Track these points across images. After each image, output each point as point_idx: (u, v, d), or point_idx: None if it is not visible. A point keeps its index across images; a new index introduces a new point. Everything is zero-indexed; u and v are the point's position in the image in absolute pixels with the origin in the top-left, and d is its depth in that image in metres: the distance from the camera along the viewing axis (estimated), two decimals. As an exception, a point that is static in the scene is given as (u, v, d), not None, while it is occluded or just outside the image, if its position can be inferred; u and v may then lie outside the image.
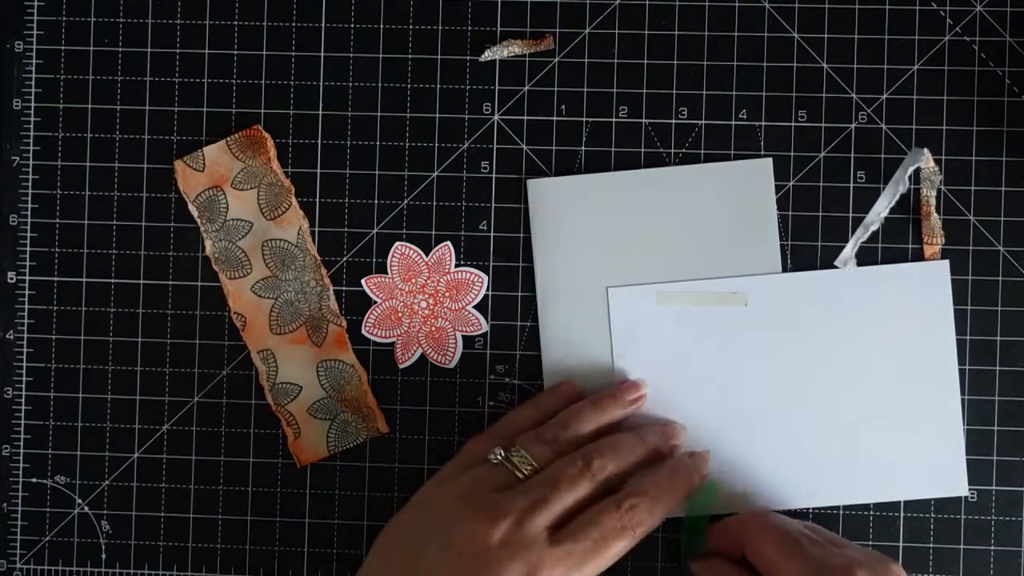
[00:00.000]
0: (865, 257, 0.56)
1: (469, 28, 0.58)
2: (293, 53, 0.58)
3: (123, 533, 0.58)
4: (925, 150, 0.55)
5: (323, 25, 0.58)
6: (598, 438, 0.53)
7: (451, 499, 0.51)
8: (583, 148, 0.57)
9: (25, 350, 0.58)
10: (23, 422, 0.58)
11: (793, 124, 0.57)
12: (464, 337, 0.58)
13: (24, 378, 0.58)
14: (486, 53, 0.57)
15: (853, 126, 0.57)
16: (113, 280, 0.58)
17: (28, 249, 0.58)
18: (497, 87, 0.57)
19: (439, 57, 0.58)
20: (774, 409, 0.56)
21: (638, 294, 0.57)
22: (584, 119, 0.57)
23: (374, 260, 0.58)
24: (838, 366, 0.56)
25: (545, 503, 0.49)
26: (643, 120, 0.57)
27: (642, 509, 0.50)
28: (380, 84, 0.58)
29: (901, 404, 0.56)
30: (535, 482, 0.50)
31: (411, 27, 0.58)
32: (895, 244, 0.56)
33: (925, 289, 0.56)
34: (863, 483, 0.56)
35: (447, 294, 0.57)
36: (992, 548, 0.56)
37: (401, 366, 0.58)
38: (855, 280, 0.56)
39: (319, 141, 0.58)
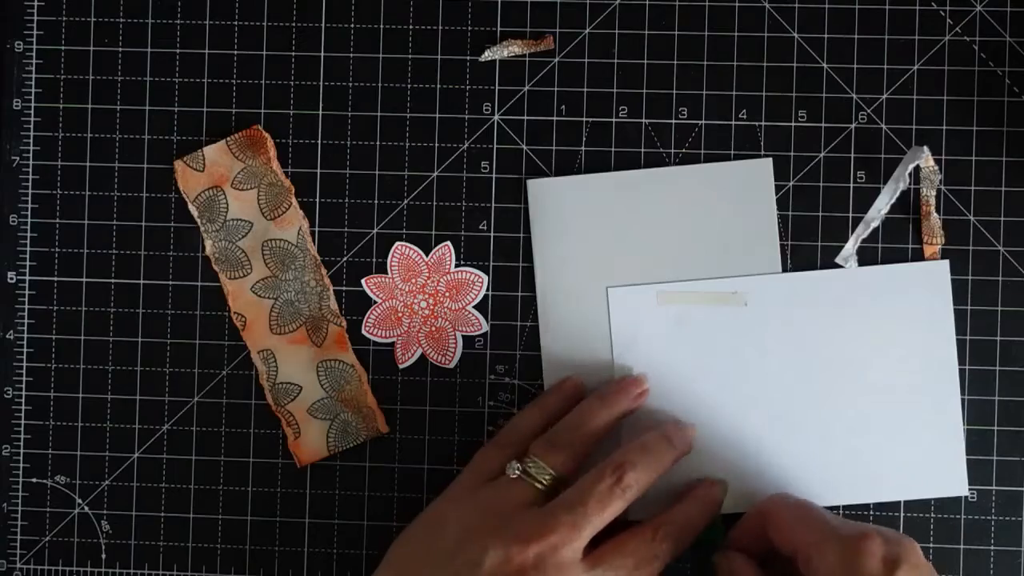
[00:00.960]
0: (865, 257, 0.56)
1: (469, 28, 0.58)
2: (293, 53, 0.58)
3: (123, 533, 0.58)
4: (925, 148, 0.55)
5: (323, 25, 0.58)
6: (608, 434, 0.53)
7: (470, 517, 0.50)
8: (583, 148, 0.57)
9: (25, 350, 0.58)
10: (23, 422, 0.58)
11: (793, 124, 0.57)
12: (464, 337, 0.58)
13: (24, 378, 0.58)
14: (486, 53, 0.57)
15: (853, 126, 0.57)
16: (113, 280, 0.58)
17: (28, 249, 0.58)
18: (497, 87, 0.57)
19: (439, 57, 0.58)
20: (774, 409, 0.56)
21: (638, 294, 0.57)
22: (584, 119, 0.57)
23: (374, 260, 0.58)
24: (838, 366, 0.56)
25: (576, 527, 0.48)
26: (643, 120, 0.57)
27: (672, 541, 0.50)
28: (380, 84, 0.58)
29: (901, 404, 0.56)
30: (565, 501, 0.49)
31: (411, 27, 0.58)
32: (895, 244, 0.56)
33: (925, 289, 0.56)
34: (863, 483, 0.56)
35: (447, 294, 0.57)
36: (992, 548, 0.56)
37: (401, 366, 0.58)
38: (855, 280, 0.56)
39: (319, 141, 0.58)
